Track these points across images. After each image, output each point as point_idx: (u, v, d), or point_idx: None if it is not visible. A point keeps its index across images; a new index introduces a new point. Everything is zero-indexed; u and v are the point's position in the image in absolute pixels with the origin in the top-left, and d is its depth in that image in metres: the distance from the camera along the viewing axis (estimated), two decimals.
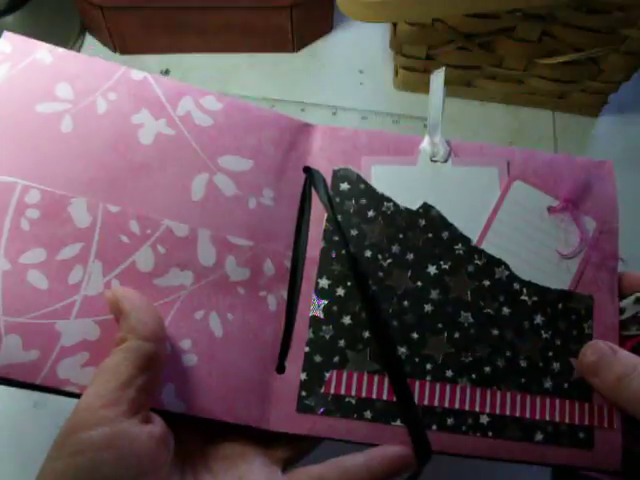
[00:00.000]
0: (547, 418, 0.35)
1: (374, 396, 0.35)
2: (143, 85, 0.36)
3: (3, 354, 0.30)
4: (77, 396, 0.31)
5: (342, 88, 0.64)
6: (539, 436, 0.35)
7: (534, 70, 0.59)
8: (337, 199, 0.38)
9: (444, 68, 0.39)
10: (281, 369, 0.35)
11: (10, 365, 0.30)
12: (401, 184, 0.38)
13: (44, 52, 0.36)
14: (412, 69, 0.61)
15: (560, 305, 0.37)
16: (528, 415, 0.35)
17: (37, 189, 0.33)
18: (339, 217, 0.37)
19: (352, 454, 0.33)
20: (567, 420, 0.35)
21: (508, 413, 0.35)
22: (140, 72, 0.37)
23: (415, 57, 0.59)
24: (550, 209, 0.38)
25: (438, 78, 0.39)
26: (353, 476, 0.33)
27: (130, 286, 0.33)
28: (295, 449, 0.35)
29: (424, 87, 0.62)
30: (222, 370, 0.33)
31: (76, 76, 0.36)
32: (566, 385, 0.36)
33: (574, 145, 0.64)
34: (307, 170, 0.39)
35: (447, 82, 0.59)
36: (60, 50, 0.36)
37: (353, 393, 0.35)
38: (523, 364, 0.36)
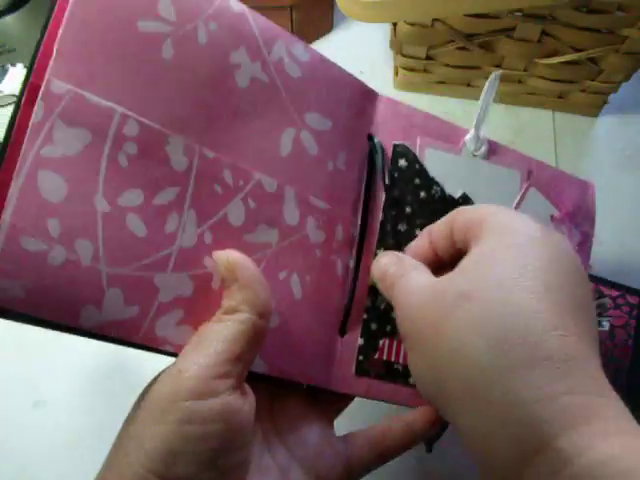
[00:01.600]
0: None
1: None
2: (241, 19, 0.33)
3: (105, 310, 0.27)
4: (171, 354, 0.29)
5: None
6: None
7: (534, 70, 0.60)
8: (395, 175, 0.39)
9: (500, 72, 0.41)
10: (343, 333, 0.36)
11: (112, 322, 0.28)
12: (446, 170, 0.41)
13: None
14: (412, 69, 0.61)
15: None
16: None
17: (135, 120, 0.29)
18: (396, 192, 0.39)
19: (397, 417, 0.36)
20: None
21: None
22: (239, 3, 0.34)
23: (415, 57, 0.59)
24: (552, 218, 0.43)
25: (494, 82, 0.41)
26: (400, 436, 0.35)
27: (222, 240, 0.31)
28: (339, 408, 0.37)
29: (424, 87, 0.64)
30: (299, 332, 0.34)
31: None
32: None
33: (574, 145, 0.64)
34: (370, 138, 0.39)
35: (447, 82, 0.62)
36: None
37: (400, 360, 0.37)
38: None
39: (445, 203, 0.40)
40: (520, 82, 0.62)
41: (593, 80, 0.60)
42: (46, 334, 0.50)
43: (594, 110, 0.65)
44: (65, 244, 0.26)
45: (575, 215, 0.44)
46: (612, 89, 0.61)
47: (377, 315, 0.37)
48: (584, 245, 0.44)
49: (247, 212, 0.32)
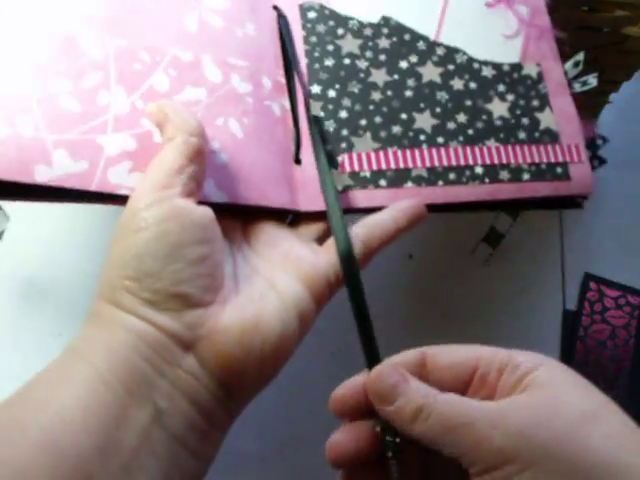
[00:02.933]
0: (529, 160, 0.41)
1: (383, 167, 0.40)
2: None
3: (56, 166, 0.34)
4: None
5: None
6: (526, 176, 0.41)
7: None
8: (308, 25, 0.44)
9: None
10: (298, 161, 0.40)
11: (65, 175, 0.34)
12: (358, 8, 0.45)
13: None
14: None
15: (515, 74, 0.44)
16: (513, 161, 0.41)
17: (46, 29, 0.37)
18: (314, 38, 0.43)
19: (377, 212, 0.39)
20: (545, 160, 0.42)
21: (497, 162, 0.41)
22: None
23: None
24: (487, 3, 0.46)
25: None
26: (383, 227, 0.38)
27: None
28: (320, 230, 0.40)
29: None
30: (251, 164, 0.38)
31: None
32: (537, 134, 0.42)
33: None
34: (276, 8, 0.44)
35: None
36: None
37: (365, 168, 0.40)
38: (498, 123, 0.42)
39: (367, 29, 0.44)
40: None
41: None
42: (44, 334, 0.57)
43: (594, 110, 0.65)
44: (6, 122, 0.33)
45: None
46: (612, 89, 0.62)
47: (328, 137, 0.41)
48: (536, 13, 0.46)
49: (170, 79, 0.38)
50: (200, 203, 0.34)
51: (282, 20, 0.44)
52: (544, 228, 0.64)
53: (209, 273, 0.32)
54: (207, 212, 0.33)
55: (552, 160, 0.42)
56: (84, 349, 0.30)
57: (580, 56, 0.45)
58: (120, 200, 0.35)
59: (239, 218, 0.38)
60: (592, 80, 0.44)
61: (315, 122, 0.40)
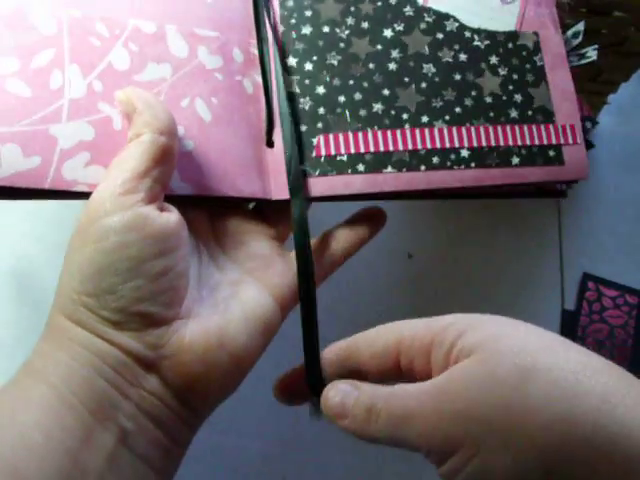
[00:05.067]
0: (519, 143, 0.40)
1: (362, 150, 0.39)
2: None
3: (5, 165, 0.32)
4: (87, 196, 0.33)
5: None
6: (515, 160, 0.40)
7: None
8: None
9: None
10: (270, 144, 0.39)
11: (15, 174, 0.32)
12: None
13: None
14: None
15: (510, 44, 0.42)
16: (502, 143, 0.40)
17: None
18: (291, 2, 0.41)
19: (339, 225, 0.40)
20: (537, 142, 0.41)
21: (484, 144, 0.40)
22: None
23: None
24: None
25: None
26: (346, 239, 0.39)
27: (112, 85, 0.35)
28: (285, 225, 0.39)
29: None
30: (218, 150, 0.37)
31: None
32: (530, 112, 0.41)
33: None
34: None
35: None
36: None
37: (343, 151, 0.39)
38: (489, 100, 0.41)
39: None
40: None
41: (593, 80, 0.61)
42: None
43: (594, 110, 0.66)
44: None
45: None
46: (612, 89, 0.63)
47: (303, 116, 0.39)
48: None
49: (131, 56, 0.36)
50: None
51: None
52: (543, 228, 0.66)
53: (171, 286, 0.32)
54: (170, 219, 0.32)
55: (545, 142, 0.41)
56: (43, 369, 0.30)
57: (580, 25, 0.43)
58: (80, 195, 0.34)
59: (205, 209, 0.37)
60: (592, 53, 0.43)
61: (289, 100, 0.39)
